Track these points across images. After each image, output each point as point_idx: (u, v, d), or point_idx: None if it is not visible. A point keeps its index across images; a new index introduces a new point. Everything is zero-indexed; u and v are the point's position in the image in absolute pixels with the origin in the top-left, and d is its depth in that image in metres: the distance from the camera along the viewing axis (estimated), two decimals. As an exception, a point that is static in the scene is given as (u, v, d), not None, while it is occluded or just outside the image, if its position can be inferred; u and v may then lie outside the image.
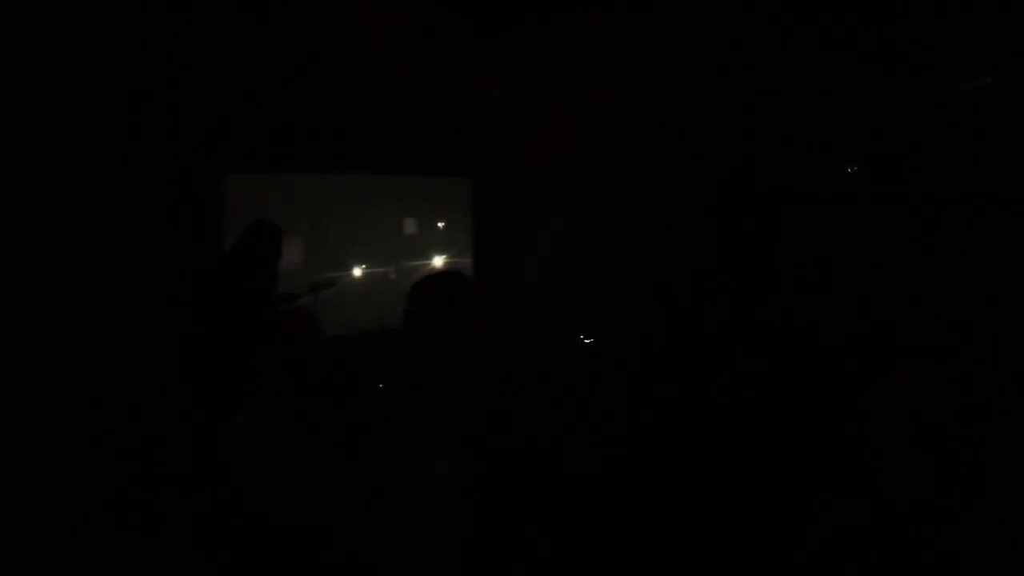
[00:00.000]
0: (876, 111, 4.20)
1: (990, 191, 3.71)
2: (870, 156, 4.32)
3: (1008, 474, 1.40)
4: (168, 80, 3.32)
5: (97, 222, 2.95)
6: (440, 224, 5.28)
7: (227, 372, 3.00)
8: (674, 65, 4.55)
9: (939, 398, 1.49)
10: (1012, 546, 1.32)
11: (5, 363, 2.55)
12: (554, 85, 4.81)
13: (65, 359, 2.73)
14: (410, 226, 5.13)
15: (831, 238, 4.56)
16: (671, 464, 3.15)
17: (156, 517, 2.36)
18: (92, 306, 2.87)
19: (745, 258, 4.89)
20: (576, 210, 5.24)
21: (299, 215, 4.44)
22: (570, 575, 2.02)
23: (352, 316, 4.69)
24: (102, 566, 2.34)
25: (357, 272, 4.85)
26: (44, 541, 2.38)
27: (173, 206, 3.41)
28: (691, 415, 3.67)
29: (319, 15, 3.67)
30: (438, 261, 5.22)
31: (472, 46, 4.36)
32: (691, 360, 4.43)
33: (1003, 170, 3.68)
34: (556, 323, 5.09)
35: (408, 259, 5.12)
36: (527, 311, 5.08)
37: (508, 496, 1.69)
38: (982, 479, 1.42)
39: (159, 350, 3.13)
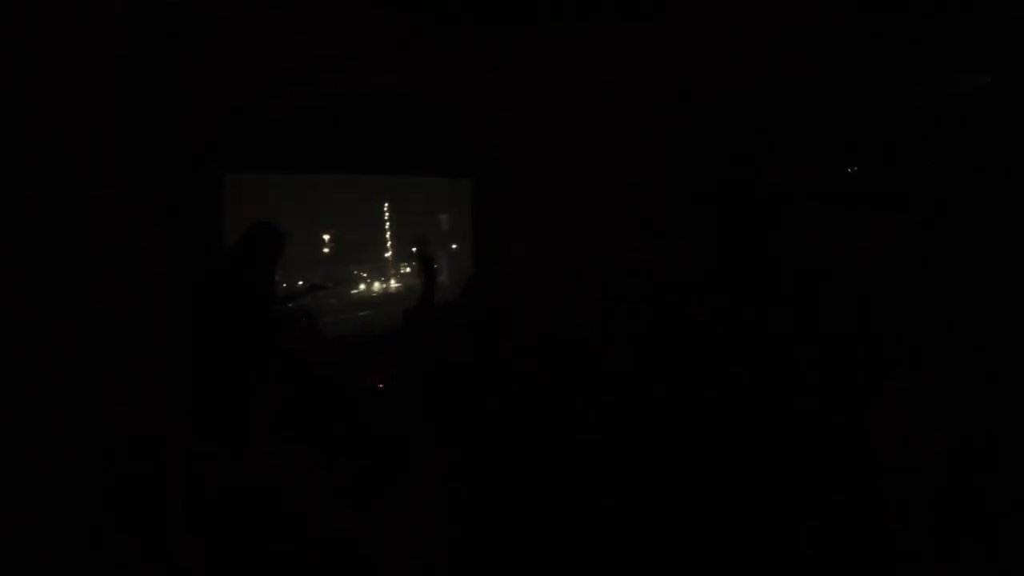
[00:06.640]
0: (876, 111, 4.20)
1: (990, 191, 3.70)
2: (870, 156, 4.32)
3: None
4: (168, 81, 3.33)
5: (97, 221, 2.95)
6: (440, 224, 5.28)
7: (229, 372, 3.00)
8: (673, 67, 4.55)
9: (939, 405, 1.49)
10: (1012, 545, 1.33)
11: (6, 363, 2.55)
12: (553, 88, 4.81)
13: (65, 358, 2.73)
14: (410, 226, 5.13)
15: (831, 238, 4.56)
16: (669, 465, 3.15)
17: (156, 518, 2.36)
18: (91, 305, 2.87)
19: (744, 259, 4.89)
20: (575, 209, 5.25)
21: (299, 216, 4.45)
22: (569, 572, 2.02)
23: (351, 316, 4.69)
24: (102, 566, 2.34)
25: (355, 273, 4.86)
26: (44, 541, 2.38)
27: (174, 207, 3.42)
28: (687, 416, 3.67)
29: (317, 22, 3.68)
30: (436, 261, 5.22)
31: (469, 51, 4.36)
32: (688, 361, 4.43)
33: (1003, 170, 3.68)
34: (553, 321, 5.09)
35: (407, 259, 5.13)
36: (526, 309, 5.08)
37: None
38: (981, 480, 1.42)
39: (160, 350, 3.13)
